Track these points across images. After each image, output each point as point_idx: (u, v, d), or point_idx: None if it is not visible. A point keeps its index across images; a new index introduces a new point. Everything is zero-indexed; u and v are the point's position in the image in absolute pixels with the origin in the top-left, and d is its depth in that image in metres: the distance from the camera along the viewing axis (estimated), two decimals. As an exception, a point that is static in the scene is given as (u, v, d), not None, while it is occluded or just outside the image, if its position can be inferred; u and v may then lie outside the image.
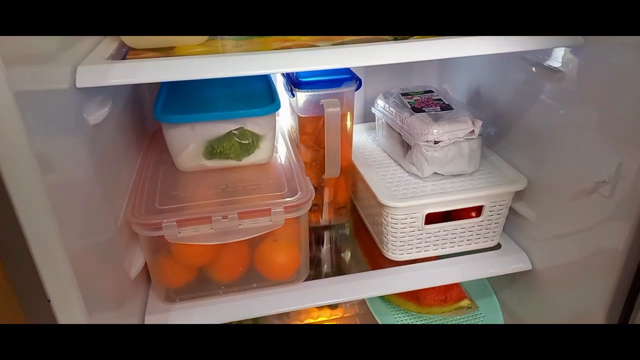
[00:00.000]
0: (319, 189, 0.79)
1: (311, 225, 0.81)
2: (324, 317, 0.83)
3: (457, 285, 0.74)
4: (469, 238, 0.73)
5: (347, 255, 0.83)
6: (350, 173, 0.80)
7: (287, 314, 0.82)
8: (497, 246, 0.76)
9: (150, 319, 0.63)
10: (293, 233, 0.67)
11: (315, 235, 0.84)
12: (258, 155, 0.69)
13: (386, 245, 0.72)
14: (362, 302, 0.83)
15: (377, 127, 0.86)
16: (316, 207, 0.81)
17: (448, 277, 0.71)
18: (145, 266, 0.65)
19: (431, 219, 0.70)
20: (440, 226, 0.70)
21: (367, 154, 0.83)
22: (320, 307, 0.83)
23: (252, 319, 0.69)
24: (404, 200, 0.67)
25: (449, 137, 0.69)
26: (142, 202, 0.61)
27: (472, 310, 0.76)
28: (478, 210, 0.71)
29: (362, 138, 0.89)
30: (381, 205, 0.68)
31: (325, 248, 0.83)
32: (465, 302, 0.72)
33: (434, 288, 0.75)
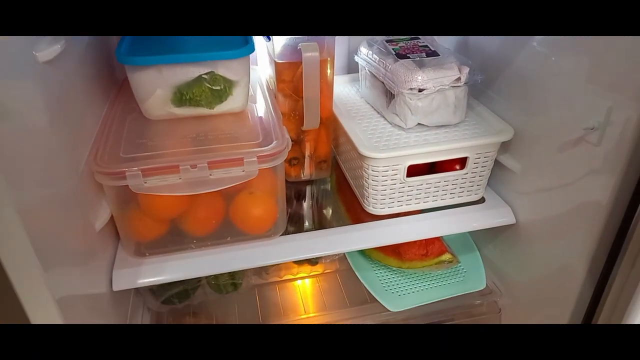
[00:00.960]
0: (298, 142, 0.76)
1: (291, 180, 0.78)
2: (303, 273, 0.82)
3: (438, 239, 0.72)
4: (452, 191, 0.71)
5: (328, 212, 0.81)
6: (331, 125, 0.77)
7: (265, 269, 0.80)
8: (481, 200, 0.74)
9: (119, 275, 0.61)
10: (269, 185, 0.64)
11: (296, 191, 0.81)
12: (231, 103, 0.65)
13: (367, 200, 0.70)
14: (343, 258, 0.81)
15: (360, 78, 0.82)
16: (296, 161, 0.78)
17: (430, 231, 0.69)
18: (114, 219, 0.62)
19: (414, 171, 0.67)
20: (422, 179, 0.67)
21: (349, 106, 0.79)
22: (299, 263, 0.81)
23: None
24: (385, 151, 0.64)
25: (434, 85, 0.65)
26: (105, 151, 0.57)
27: (453, 265, 0.75)
28: (462, 162, 0.68)
29: (345, 90, 0.85)
30: (362, 157, 0.65)
31: (307, 204, 0.80)
32: (446, 256, 0.71)
33: (414, 242, 0.73)
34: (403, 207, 0.70)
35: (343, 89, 0.85)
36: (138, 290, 0.73)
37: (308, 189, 0.82)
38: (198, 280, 0.72)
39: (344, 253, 0.80)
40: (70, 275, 0.49)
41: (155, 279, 0.62)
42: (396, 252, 0.75)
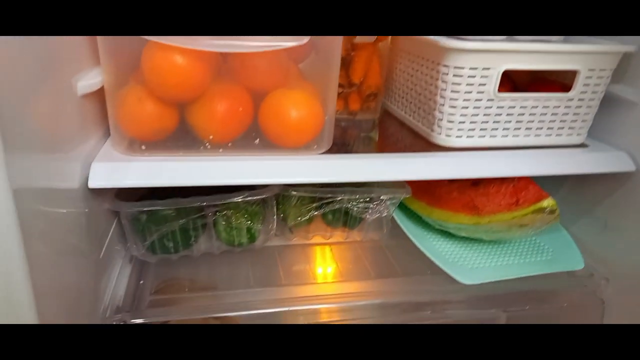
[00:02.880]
0: (344, 64, 0.60)
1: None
2: (338, 238, 0.63)
3: (532, 182, 0.54)
4: (550, 125, 0.54)
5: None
6: (386, 50, 0.62)
7: (290, 227, 0.61)
8: (582, 146, 0.57)
9: (99, 169, 0.43)
10: (317, 76, 0.48)
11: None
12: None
13: (438, 125, 0.53)
14: (392, 226, 0.62)
15: None
16: (339, 89, 0.62)
17: (523, 168, 0.51)
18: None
19: (505, 88, 0.51)
20: (518, 96, 0.51)
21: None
22: (334, 225, 0.62)
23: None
24: (474, 41, 0.48)
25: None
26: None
27: (554, 218, 0.54)
28: (565, 87, 0.52)
29: None
30: (440, 55, 0.49)
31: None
32: (547, 202, 0.52)
33: (499, 189, 0.55)
34: (485, 140, 0.53)
35: None
36: (121, 226, 0.54)
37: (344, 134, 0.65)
38: (201, 212, 0.53)
39: (391, 217, 0.62)
40: (34, 160, 0.33)
41: (148, 181, 0.43)
42: (471, 206, 0.56)
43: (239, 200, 0.52)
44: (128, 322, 0.47)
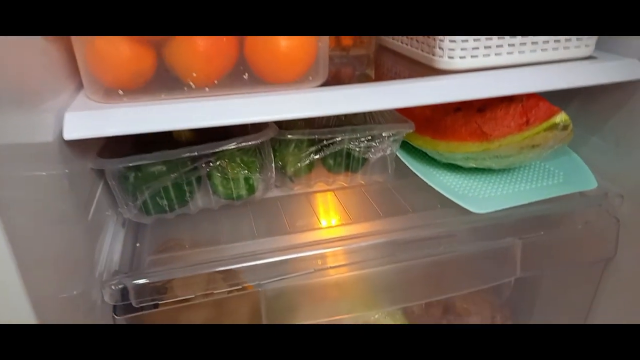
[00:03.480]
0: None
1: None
2: (342, 183, 0.60)
3: (542, 99, 0.51)
4: (556, 39, 0.50)
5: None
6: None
7: (290, 176, 0.57)
8: (591, 58, 0.53)
9: (74, 119, 0.38)
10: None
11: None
12: None
13: (440, 46, 0.49)
14: (396, 166, 0.59)
15: None
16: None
17: (530, 84, 0.48)
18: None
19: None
20: (522, 5, 0.47)
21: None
22: (336, 170, 0.59)
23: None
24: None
25: None
26: None
27: (569, 134, 0.51)
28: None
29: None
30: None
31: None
32: (560, 117, 0.48)
33: (507, 113, 0.52)
34: (491, 59, 0.49)
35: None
36: (109, 189, 0.50)
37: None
38: (193, 164, 0.49)
39: (395, 156, 0.59)
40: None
41: (130, 127, 0.39)
42: (478, 133, 0.53)
43: (232, 147, 0.48)
44: (127, 285, 0.44)
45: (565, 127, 0.48)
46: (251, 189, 0.54)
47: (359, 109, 0.45)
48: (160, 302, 0.47)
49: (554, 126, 0.48)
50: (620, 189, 0.57)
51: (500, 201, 0.54)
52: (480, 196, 0.56)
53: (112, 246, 0.49)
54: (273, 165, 0.54)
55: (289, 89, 0.44)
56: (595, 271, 0.61)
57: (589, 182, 0.56)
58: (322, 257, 0.49)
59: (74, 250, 0.41)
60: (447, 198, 0.54)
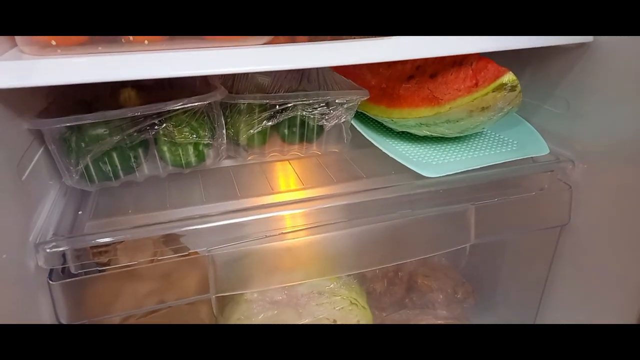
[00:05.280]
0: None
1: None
2: (296, 152, 0.59)
3: (490, 61, 0.51)
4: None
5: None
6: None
7: (244, 146, 0.56)
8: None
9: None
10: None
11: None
12: None
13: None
14: (352, 135, 0.59)
15: None
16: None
17: (477, 43, 0.48)
18: None
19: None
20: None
21: None
22: (290, 141, 0.58)
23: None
24: None
25: None
26: None
27: (517, 95, 0.50)
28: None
29: None
30: None
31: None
32: (508, 77, 0.48)
33: (457, 76, 0.51)
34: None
35: None
36: (49, 156, 0.48)
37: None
38: (137, 126, 0.47)
39: (350, 126, 0.58)
40: None
41: (61, 78, 0.37)
42: (430, 97, 0.53)
43: (178, 108, 0.47)
44: (65, 249, 0.42)
45: (513, 88, 0.49)
46: (201, 156, 0.52)
47: (306, 64, 0.44)
48: (100, 269, 0.45)
49: (502, 86, 0.49)
50: (572, 155, 0.58)
51: (453, 166, 0.54)
52: (434, 162, 0.56)
53: (51, 214, 0.47)
54: (224, 131, 0.53)
55: (232, 45, 0.43)
56: (551, 239, 0.61)
57: (541, 148, 0.57)
58: (274, 220, 0.48)
59: (5, 217, 0.39)
60: (402, 165, 0.54)
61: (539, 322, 0.69)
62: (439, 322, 0.71)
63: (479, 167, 0.54)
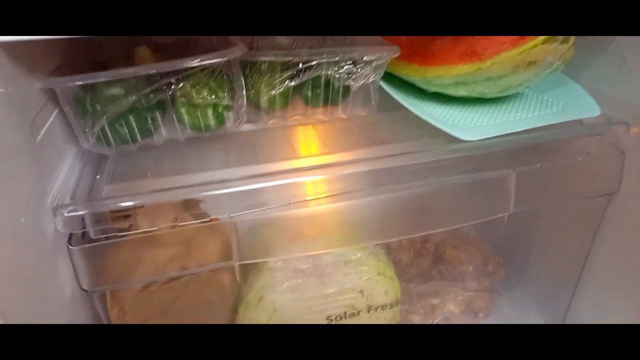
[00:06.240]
0: None
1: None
2: (320, 116, 0.56)
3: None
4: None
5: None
6: None
7: (264, 109, 0.53)
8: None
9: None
10: None
11: None
12: None
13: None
14: (380, 96, 0.55)
15: None
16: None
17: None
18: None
19: None
20: None
21: None
22: (314, 103, 0.55)
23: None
24: None
25: None
26: None
27: (567, 50, 0.45)
28: None
29: None
30: None
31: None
32: None
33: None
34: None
35: None
36: (65, 118, 0.46)
37: None
38: (153, 85, 0.44)
39: (378, 87, 0.54)
40: None
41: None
42: (469, 53, 0.48)
43: (195, 65, 0.44)
44: (83, 212, 0.40)
45: (566, 40, 0.43)
46: (220, 119, 0.50)
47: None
48: (121, 235, 0.43)
49: (553, 38, 0.43)
50: (625, 117, 0.52)
51: (492, 129, 0.49)
52: (471, 125, 0.51)
53: (68, 178, 0.46)
54: (244, 92, 0.50)
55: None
56: (597, 209, 0.57)
57: (590, 110, 0.52)
58: (297, 186, 0.45)
59: (15, 173, 0.38)
60: (435, 128, 0.50)
61: (576, 300, 0.65)
62: (469, 294, 0.69)
63: (520, 130, 0.49)
